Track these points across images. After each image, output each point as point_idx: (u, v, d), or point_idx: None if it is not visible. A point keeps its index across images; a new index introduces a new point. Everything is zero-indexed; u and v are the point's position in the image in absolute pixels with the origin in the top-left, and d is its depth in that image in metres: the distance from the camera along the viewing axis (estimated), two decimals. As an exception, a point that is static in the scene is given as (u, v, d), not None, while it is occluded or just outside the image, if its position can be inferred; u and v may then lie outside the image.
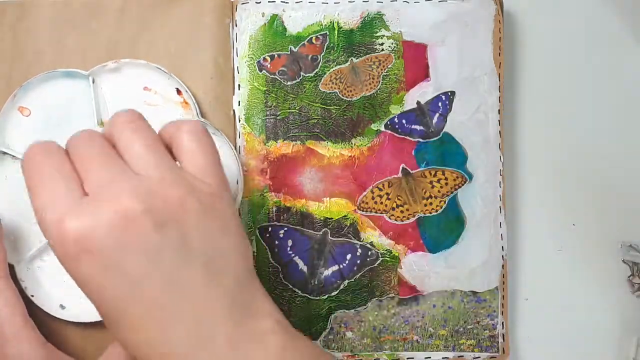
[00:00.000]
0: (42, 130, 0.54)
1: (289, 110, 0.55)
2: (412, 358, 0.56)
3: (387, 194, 0.56)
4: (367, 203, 0.56)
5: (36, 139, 0.52)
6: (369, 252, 0.56)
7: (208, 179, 0.39)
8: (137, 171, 0.37)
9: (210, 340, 0.36)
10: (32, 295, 0.53)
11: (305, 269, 0.55)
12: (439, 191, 0.56)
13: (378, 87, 0.56)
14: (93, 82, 0.53)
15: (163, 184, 0.37)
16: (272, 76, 0.55)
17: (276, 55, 0.56)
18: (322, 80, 0.56)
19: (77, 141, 0.39)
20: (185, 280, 0.36)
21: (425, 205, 0.56)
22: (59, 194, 0.36)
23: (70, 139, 0.39)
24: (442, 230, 0.56)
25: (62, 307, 0.54)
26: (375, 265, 0.56)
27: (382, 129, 0.56)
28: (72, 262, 0.35)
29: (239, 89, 0.55)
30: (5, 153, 0.53)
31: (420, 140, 0.56)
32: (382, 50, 0.56)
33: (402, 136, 0.56)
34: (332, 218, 0.56)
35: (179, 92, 0.53)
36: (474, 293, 0.56)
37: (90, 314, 0.52)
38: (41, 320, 0.53)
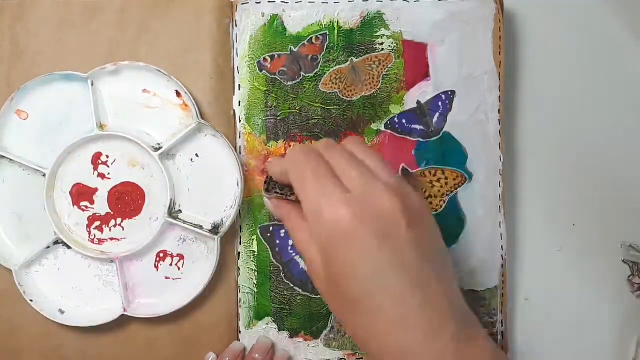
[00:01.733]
0: (40, 134, 0.53)
1: (289, 111, 0.54)
2: (412, 357, 0.55)
3: (388, 194, 0.55)
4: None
5: (34, 142, 0.52)
6: (369, 252, 0.55)
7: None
8: (381, 175, 0.41)
9: (440, 335, 0.38)
10: (31, 300, 0.52)
11: (305, 268, 0.54)
12: (439, 190, 0.55)
13: (378, 86, 0.55)
14: (92, 84, 0.52)
15: (406, 187, 0.41)
16: (272, 76, 0.54)
17: (276, 55, 0.54)
18: (322, 80, 0.54)
19: (326, 146, 0.44)
20: (424, 276, 0.39)
21: (426, 204, 0.55)
22: (331, 189, 0.40)
23: (319, 144, 0.44)
24: (442, 229, 0.54)
25: (61, 311, 0.53)
26: (376, 265, 0.55)
27: (382, 128, 0.55)
28: (338, 242, 0.39)
29: (239, 89, 0.54)
30: (3, 157, 0.52)
31: (421, 139, 0.55)
32: (382, 49, 0.55)
33: (402, 136, 0.55)
34: (332, 218, 0.55)
35: (178, 94, 0.52)
36: (474, 292, 0.55)
37: (89, 318, 0.52)
38: (27, 315, 0.53)
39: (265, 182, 0.47)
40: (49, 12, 0.54)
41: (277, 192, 0.47)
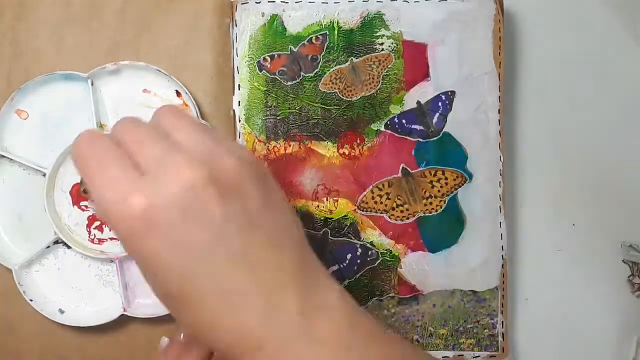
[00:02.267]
0: (40, 133, 0.52)
1: (289, 110, 0.54)
2: (412, 357, 0.54)
3: (387, 193, 0.54)
4: (367, 203, 0.54)
5: (34, 142, 0.52)
6: (369, 252, 0.54)
7: (242, 147, 0.39)
8: (189, 144, 0.35)
9: (280, 310, 0.34)
10: (31, 300, 0.52)
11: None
12: (438, 191, 0.54)
13: (378, 87, 0.54)
14: (92, 84, 0.51)
15: (217, 155, 0.35)
16: (272, 76, 0.54)
17: (276, 55, 0.54)
18: (322, 80, 0.54)
19: (123, 126, 0.37)
20: (251, 251, 0.34)
21: (425, 205, 0.54)
22: (117, 175, 0.34)
23: (115, 125, 0.38)
24: (442, 230, 0.54)
25: (61, 311, 0.53)
26: (375, 264, 0.54)
27: (382, 128, 0.54)
28: (138, 239, 0.33)
29: (239, 89, 0.54)
30: (3, 156, 0.52)
31: (420, 140, 0.54)
32: (382, 50, 0.54)
33: (402, 136, 0.54)
34: (332, 218, 0.54)
35: (178, 94, 0.52)
36: (474, 292, 0.54)
37: (89, 318, 0.52)
38: (26, 314, 0.52)
39: (81, 182, 0.43)
40: (50, 11, 0.54)
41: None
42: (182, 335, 0.48)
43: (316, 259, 0.39)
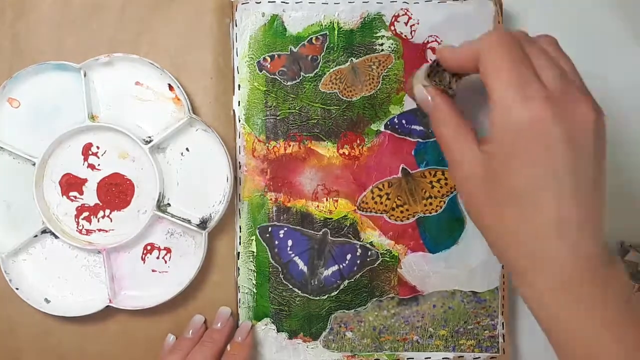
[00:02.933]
0: (31, 123, 0.52)
1: (289, 111, 0.53)
2: (412, 358, 0.53)
3: (387, 194, 0.53)
4: (367, 203, 0.53)
5: (25, 131, 0.51)
6: (369, 252, 0.53)
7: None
8: (580, 87, 0.39)
9: (588, 250, 0.37)
10: (17, 289, 0.51)
11: (305, 269, 0.53)
12: (438, 191, 0.54)
13: (378, 87, 0.53)
14: (85, 75, 0.50)
15: (597, 105, 0.39)
16: (272, 76, 0.53)
17: (276, 55, 0.53)
18: (322, 81, 0.53)
19: (527, 40, 0.40)
20: (593, 190, 0.38)
21: (425, 205, 0.54)
22: (531, 80, 0.37)
23: (517, 33, 0.41)
24: (442, 230, 0.54)
25: (46, 300, 0.52)
26: (375, 265, 0.53)
27: (382, 129, 0.53)
28: (516, 139, 0.37)
29: (239, 89, 0.53)
30: (-8, 144, 0.51)
31: (420, 140, 0.54)
32: (382, 50, 0.53)
33: (402, 136, 0.54)
34: (332, 218, 0.53)
35: (171, 87, 0.51)
36: (474, 293, 0.54)
37: (75, 308, 0.51)
38: (25, 314, 0.52)
39: (430, 66, 0.43)
40: (50, 11, 0.53)
41: (436, 81, 0.43)
42: (190, 331, 0.51)
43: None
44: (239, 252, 0.53)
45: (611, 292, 0.37)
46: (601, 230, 0.38)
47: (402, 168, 0.53)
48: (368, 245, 0.53)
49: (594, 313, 0.37)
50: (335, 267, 0.53)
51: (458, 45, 0.41)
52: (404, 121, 0.54)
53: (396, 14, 0.53)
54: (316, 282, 0.53)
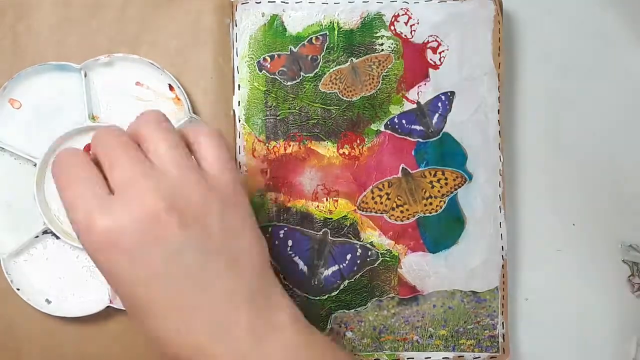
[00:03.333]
0: (32, 123, 0.51)
1: (289, 111, 0.53)
2: (412, 358, 0.53)
3: (387, 194, 0.53)
4: (367, 203, 0.53)
5: (26, 131, 0.51)
6: (369, 252, 0.53)
7: (225, 175, 0.39)
8: (161, 170, 0.37)
9: (232, 329, 0.36)
10: (18, 289, 0.50)
11: (305, 269, 0.53)
12: (438, 191, 0.53)
13: (378, 87, 0.53)
14: (85, 75, 0.50)
15: (186, 183, 0.37)
16: (272, 76, 0.53)
17: (276, 55, 0.53)
18: (322, 81, 0.53)
19: (103, 137, 0.39)
20: (207, 275, 0.36)
21: (425, 205, 0.53)
22: (86, 194, 0.36)
23: (96, 133, 0.39)
24: (442, 230, 0.53)
25: (47, 301, 0.51)
26: (375, 265, 0.53)
27: (382, 129, 0.53)
28: (101, 256, 0.36)
29: (239, 89, 0.53)
30: (-7, 145, 0.51)
31: (420, 140, 0.53)
32: (382, 50, 0.53)
33: (402, 136, 0.53)
34: (332, 218, 0.53)
35: (171, 87, 0.51)
36: (474, 293, 0.53)
37: (76, 308, 0.51)
38: (26, 314, 0.51)
39: None
40: (50, 11, 0.52)
41: None
42: None
43: (275, 282, 0.41)
44: (239, 252, 0.53)
45: (270, 357, 0.37)
46: (248, 300, 0.37)
47: (402, 168, 0.53)
48: (368, 245, 0.53)
49: None
50: (335, 267, 0.53)
51: None
52: (404, 121, 0.53)
53: (396, 14, 0.53)
54: (316, 282, 0.53)
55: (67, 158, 0.38)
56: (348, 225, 0.53)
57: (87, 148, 0.51)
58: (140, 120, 0.40)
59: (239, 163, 0.53)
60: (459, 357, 0.53)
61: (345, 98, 0.53)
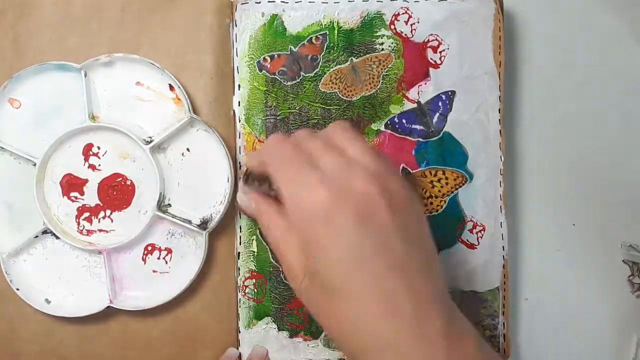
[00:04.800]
0: (32, 123, 0.50)
1: (289, 110, 0.51)
2: (413, 358, 0.52)
3: (388, 193, 0.51)
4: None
5: (26, 131, 0.49)
6: (369, 252, 0.51)
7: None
8: (362, 162, 0.38)
9: (426, 324, 0.35)
10: (18, 289, 0.49)
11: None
12: (439, 191, 0.52)
13: (378, 86, 0.51)
14: (85, 75, 0.49)
15: (388, 174, 0.38)
16: (272, 76, 0.51)
17: (276, 55, 0.51)
18: (322, 80, 0.51)
19: (302, 136, 0.41)
20: (407, 260, 0.36)
21: (426, 205, 0.52)
22: (305, 171, 0.38)
23: (297, 134, 0.42)
24: (443, 229, 0.52)
25: (47, 301, 0.50)
26: (376, 265, 0.51)
27: (382, 128, 0.51)
28: (315, 227, 0.36)
29: (239, 89, 0.51)
30: (-7, 144, 0.49)
31: (421, 139, 0.51)
32: (382, 49, 0.51)
33: (402, 136, 0.51)
34: (332, 218, 0.51)
35: (171, 88, 0.49)
36: (475, 293, 0.52)
37: (76, 308, 0.50)
38: (26, 314, 0.50)
39: (243, 176, 0.44)
40: (50, 11, 0.51)
41: (255, 187, 0.43)
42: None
43: (448, 294, 0.39)
44: (239, 252, 0.51)
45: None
46: (437, 299, 0.36)
47: (403, 168, 0.51)
48: (368, 245, 0.51)
49: None
50: (336, 267, 0.51)
51: (253, 154, 0.44)
52: (404, 121, 0.52)
53: (396, 13, 0.51)
54: (317, 282, 0.51)
55: (279, 143, 0.41)
56: (348, 225, 0.51)
57: (87, 147, 0.49)
58: (330, 128, 0.42)
59: (239, 163, 0.51)
60: (459, 357, 0.51)
61: (345, 98, 0.51)
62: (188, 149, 0.50)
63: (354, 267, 0.35)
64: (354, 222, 0.35)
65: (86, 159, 0.50)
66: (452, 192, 0.52)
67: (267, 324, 0.51)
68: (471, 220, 0.52)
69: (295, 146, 0.40)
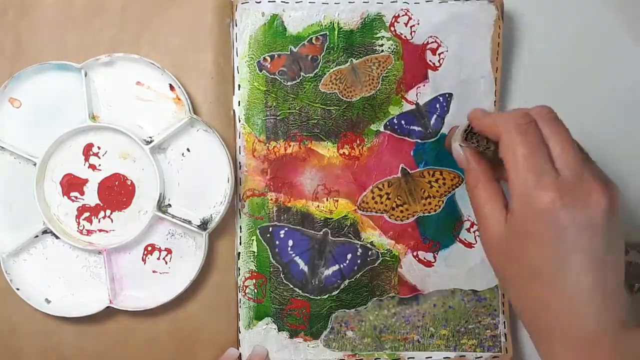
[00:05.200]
0: (32, 123, 0.49)
1: (289, 111, 0.51)
2: (413, 358, 0.51)
3: (387, 193, 0.51)
4: (367, 203, 0.51)
5: (26, 131, 0.49)
6: (369, 252, 0.51)
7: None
8: (595, 171, 0.39)
9: (610, 319, 0.37)
10: (18, 289, 0.49)
11: (305, 268, 0.51)
12: (437, 191, 0.51)
13: (377, 88, 0.51)
14: (85, 75, 0.48)
15: (613, 185, 0.39)
16: (272, 76, 0.51)
17: (276, 55, 0.51)
18: (322, 81, 0.51)
19: (548, 121, 0.40)
20: (607, 266, 0.37)
21: (424, 205, 0.51)
22: (541, 166, 0.38)
23: (537, 113, 0.41)
24: (441, 229, 0.51)
25: (47, 301, 0.50)
26: (376, 264, 0.51)
27: (382, 129, 0.51)
28: (544, 219, 0.37)
29: (239, 89, 0.51)
30: (-6, 144, 0.49)
31: (419, 141, 0.51)
32: (382, 51, 0.51)
33: (401, 137, 0.51)
34: (332, 218, 0.51)
35: (172, 87, 0.49)
36: (474, 292, 0.51)
37: (75, 308, 0.49)
38: (26, 314, 0.50)
39: (465, 130, 0.43)
40: (51, 11, 0.51)
41: (474, 143, 0.43)
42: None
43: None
44: (239, 253, 0.51)
45: (621, 356, 0.37)
46: (617, 300, 0.38)
47: (402, 168, 0.51)
48: (368, 245, 0.51)
49: None
50: (336, 267, 0.51)
51: (486, 113, 0.42)
52: (403, 122, 0.51)
53: (396, 15, 0.51)
54: (317, 282, 0.51)
55: (527, 129, 0.39)
56: (348, 225, 0.51)
57: (88, 147, 0.49)
58: (557, 123, 0.41)
59: (239, 163, 0.51)
60: (460, 356, 0.51)
61: (344, 98, 0.51)
62: (188, 149, 0.49)
63: (561, 264, 0.37)
64: (576, 229, 0.37)
65: (86, 159, 0.49)
66: (450, 192, 0.51)
67: (267, 324, 0.51)
68: (468, 219, 0.52)
69: (536, 130, 0.39)
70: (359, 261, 0.51)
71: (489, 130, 0.41)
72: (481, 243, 0.42)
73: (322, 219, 0.51)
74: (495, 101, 0.51)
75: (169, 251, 0.50)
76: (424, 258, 0.51)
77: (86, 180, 0.49)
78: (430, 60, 0.51)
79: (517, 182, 0.38)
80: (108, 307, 0.49)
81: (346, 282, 0.51)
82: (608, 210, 0.37)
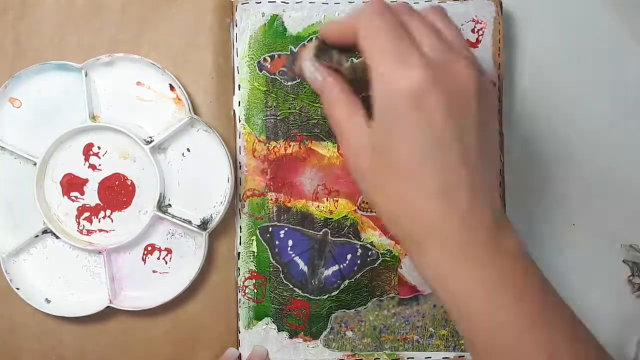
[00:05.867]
0: (32, 122, 0.49)
1: (289, 111, 0.50)
2: (413, 358, 0.51)
3: (388, 193, 0.51)
4: (367, 203, 0.51)
5: (26, 131, 0.49)
6: (369, 252, 0.51)
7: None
8: (459, 50, 0.36)
9: (477, 219, 0.35)
10: (18, 289, 0.49)
11: (305, 269, 0.50)
12: (438, 191, 0.51)
13: (378, 87, 0.51)
14: (86, 75, 0.48)
15: (481, 67, 0.36)
16: (272, 76, 0.50)
17: (276, 55, 0.50)
18: (322, 81, 0.50)
19: (406, 11, 0.37)
20: (479, 158, 0.35)
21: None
22: (409, 51, 0.34)
23: (396, 5, 0.37)
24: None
25: (47, 300, 0.50)
26: (376, 265, 0.51)
27: (382, 129, 0.51)
28: (411, 104, 0.34)
29: (239, 89, 0.50)
30: (-6, 144, 0.49)
31: (420, 140, 0.51)
32: (382, 50, 0.51)
33: (402, 136, 0.51)
34: (332, 218, 0.51)
35: (172, 88, 0.48)
36: (474, 293, 0.51)
37: (76, 308, 0.49)
38: (26, 314, 0.50)
39: (315, 46, 0.39)
40: (51, 11, 0.50)
41: (327, 60, 0.39)
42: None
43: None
44: (239, 252, 0.51)
45: (496, 256, 0.35)
46: (492, 197, 0.36)
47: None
48: (368, 245, 0.51)
49: (474, 273, 0.35)
50: (336, 267, 0.51)
51: (338, 20, 0.39)
52: (403, 121, 0.51)
53: (396, 14, 0.50)
54: (316, 282, 0.51)
55: (383, 14, 0.36)
56: (348, 225, 0.51)
57: (88, 147, 0.48)
58: (426, 10, 0.39)
59: (239, 163, 0.50)
60: (459, 357, 0.51)
61: (345, 98, 0.50)
62: (188, 149, 0.49)
63: (429, 154, 0.34)
64: (444, 110, 0.34)
65: (86, 159, 0.49)
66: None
67: (267, 324, 0.51)
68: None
69: (396, 19, 0.36)
70: (358, 261, 0.51)
71: (346, 31, 0.37)
72: (345, 164, 0.38)
73: (322, 219, 0.51)
74: (499, 97, 0.51)
75: (169, 251, 0.50)
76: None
77: (86, 180, 0.49)
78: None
79: (378, 70, 0.35)
80: (108, 307, 0.48)
81: (346, 282, 0.51)
82: (478, 88, 0.35)
